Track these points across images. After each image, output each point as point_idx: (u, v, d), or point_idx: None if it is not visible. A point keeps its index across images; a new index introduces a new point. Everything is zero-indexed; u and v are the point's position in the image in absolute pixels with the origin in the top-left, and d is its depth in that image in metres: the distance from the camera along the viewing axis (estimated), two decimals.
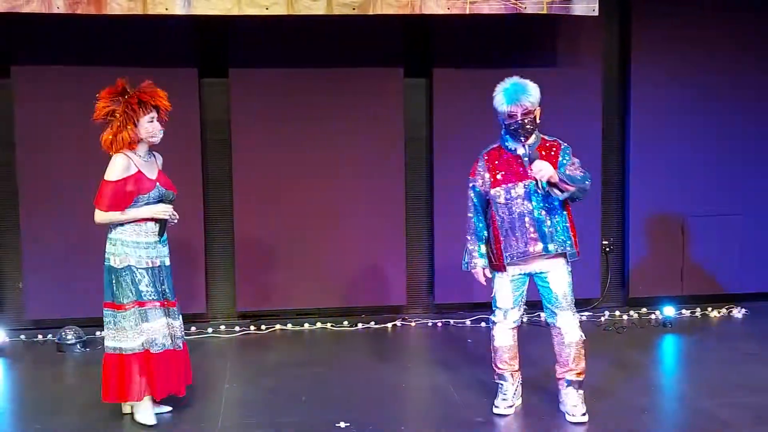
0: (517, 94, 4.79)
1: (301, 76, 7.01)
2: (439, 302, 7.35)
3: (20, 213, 6.83)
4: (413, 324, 7.17)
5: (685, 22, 7.27)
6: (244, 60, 6.92)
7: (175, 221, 5.04)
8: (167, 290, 5.02)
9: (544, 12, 6.39)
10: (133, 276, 4.89)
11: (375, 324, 7.08)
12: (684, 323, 7.11)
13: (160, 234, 4.96)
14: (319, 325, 7.10)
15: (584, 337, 5.05)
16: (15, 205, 6.86)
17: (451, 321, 7.17)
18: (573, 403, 5.00)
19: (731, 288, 7.53)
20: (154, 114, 4.89)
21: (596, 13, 6.48)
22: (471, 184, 5.03)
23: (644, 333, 6.85)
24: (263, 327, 6.99)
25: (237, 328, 6.98)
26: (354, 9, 6.23)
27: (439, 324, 7.13)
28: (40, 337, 6.79)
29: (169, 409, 5.13)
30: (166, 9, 6.07)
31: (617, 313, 7.32)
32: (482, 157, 5.01)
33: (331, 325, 7.09)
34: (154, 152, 5.07)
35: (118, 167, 4.84)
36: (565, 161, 4.87)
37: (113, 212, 4.85)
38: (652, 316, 7.20)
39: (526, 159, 4.85)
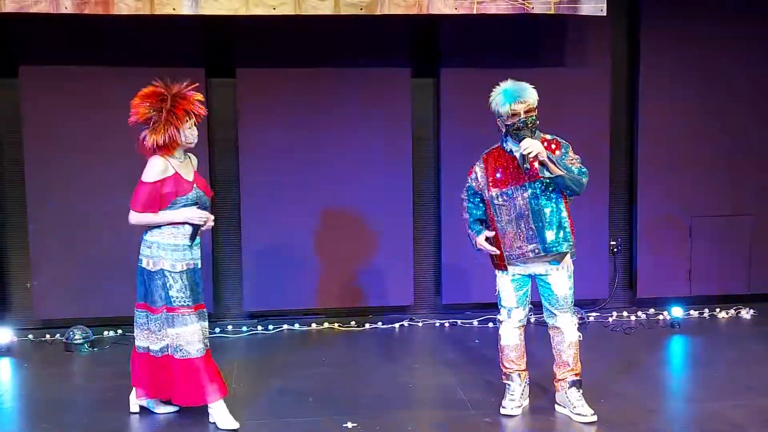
0: (519, 92, 4.82)
1: (308, 76, 7.01)
2: (447, 302, 7.34)
3: (28, 212, 6.84)
4: (420, 324, 7.16)
5: (693, 21, 7.25)
6: (252, 60, 6.92)
7: (211, 226, 5.02)
8: (201, 292, 5.03)
9: (552, 12, 6.37)
10: (164, 280, 4.89)
11: (382, 324, 7.07)
12: (692, 324, 7.09)
13: (192, 239, 4.92)
14: (326, 325, 7.10)
15: (581, 337, 5.11)
16: (23, 204, 6.87)
17: (459, 321, 7.16)
18: (580, 403, 5.01)
19: (739, 289, 7.51)
20: (193, 120, 4.89)
21: (604, 13, 6.45)
22: (467, 183, 5.08)
23: (652, 334, 6.84)
24: (270, 327, 6.98)
25: (244, 328, 6.98)
26: (361, 9, 6.22)
27: (447, 324, 7.13)
28: (47, 336, 6.80)
29: (176, 408, 5.13)
30: (174, 9, 6.07)
31: (625, 313, 7.31)
32: (481, 158, 5.03)
33: (339, 325, 7.08)
34: (189, 154, 5.07)
35: (155, 169, 4.84)
36: (564, 158, 4.86)
37: (147, 213, 4.86)
38: (660, 317, 7.18)
39: (522, 159, 4.81)
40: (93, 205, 6.86)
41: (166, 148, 4.85)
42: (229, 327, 7.00)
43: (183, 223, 4.90)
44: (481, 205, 5.07)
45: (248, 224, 7.05)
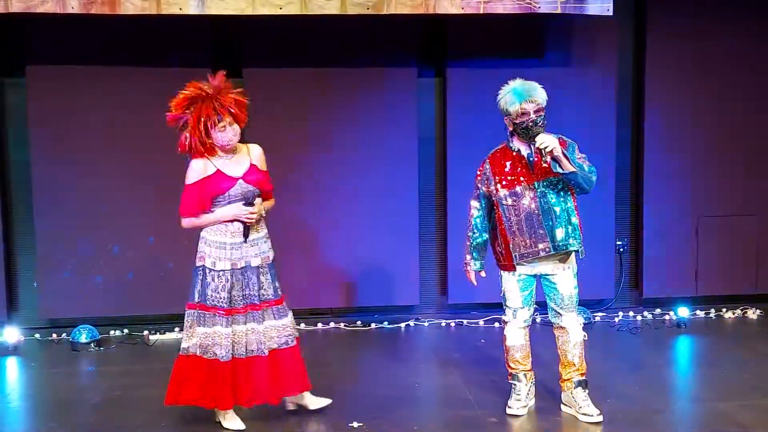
0: (529, 91, 4.81)
1: (314, 75, 7.01)
2: (452, 302, 7.34)
3: (34, 212, 6.85)
4: (426, 324, 7.16)
5: (699, 21, 7.23)
6: (258, 60, 6.92)
7: (253, 219, 4.82)
8: (252, 293, 4.88)
9: (558, 12, 6.37)
10: (204, 277, 4.83)
11: (388, 324, 7.08)
12: (698, 324, 7.08)
13: (245, 235, 4.82)
14: (332, 324, 7.10)
15: (586, 337, 5.12)
16: (29, 204, 6.89)
17: (464, 321, 7.16)
18: (586, 403, 5.01)
19: (746, 289, 7.49)
20: (226, 122, 4.76)
21: (610, 13, 6.44)
22: (476, 186, 5.06)
23: (658, 334, 6.83)
24: None
25: None
26: (368, 9, 6.22)
27: (452, 324, 7.13)
28: (54, 336, 6.81)
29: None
30: (180, 9, 6.07)
31: (631, 313, 7.29)
32: (487, 160, 5.02)
33: (344, 325, 7.09)
34: (249, 145, 4.99)
35: (193, 171, 4.81)
36: (572, 155, 4.84)
37: (191, 217, 4.83)
38: (666, 317, 7.16)
39: (532, 159, 4.84)
40: (100, 204, 6.87)
41: (204, 149, 4.78)
42: None
43: (232, 221, 4.83)
44: (486, 222, 5.07)
45: None
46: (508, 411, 5.10)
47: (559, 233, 4.87)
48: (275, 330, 4.95)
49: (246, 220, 4.80)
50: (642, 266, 7.46)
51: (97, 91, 6.82)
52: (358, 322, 7.11)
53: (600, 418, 4.95)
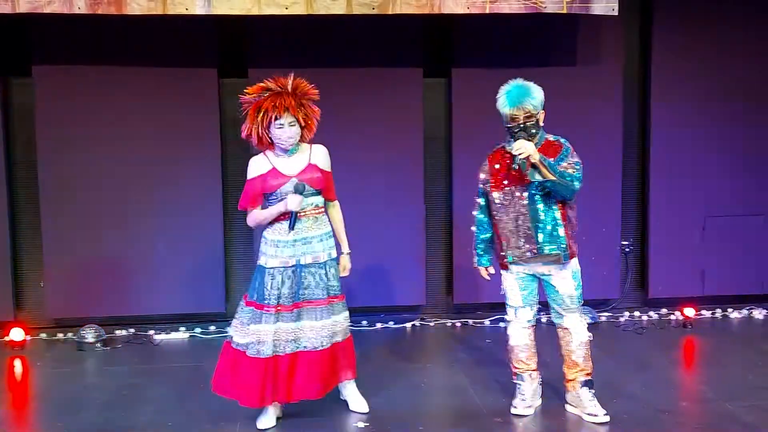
0: (520, 97, 4.77)
1: (320, 76, 6.91)
2: (458, 302, 7.33)
3: (41, 212, 6.87)
4: (432, 324, 7.17)
5: (706, 20, 7.22)
6: (264, 60, 6.92)
7: (297, 211, 4.80)
8: (301, 292, 4.90)
9: (564, 11, 6.36)
10: (262, 276, 4.90)
11: (394, 324, 7.08)
12: (704, 324, 7.06)
13: (291, 226, 4.80)
14: None
15: (591, 337, 5.11)
16: (36, 203, 6.90)
17: (470, 321, 7.16)
18: (592, 404, 5.01)
19: (752, 289, 7.47)
20: (284, 120, 4.77)
21: (616, 13, 6.43)
22: (478, 185, 5.09)
23: (664, 334, 6.82)
24: None
25: None
26: (373, 9, 6.22)
27: (458, 324, 7.12)
28: (60, 335, 6.83)
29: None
30: (186, 9, 6.08)
31: (637, 313, 7.29)
32: (486, 159, 5.05)
33: (350, 325, 7.07)
34: (314, 146, 5.02)
35: (251, 166, 4.90)
36: (560, 161, 4.82)
37: (247, 211, 4.90)
38: (672, 317, 7.15)
39: (518, 162, 4.77)
40: (105, 204, 6.88)
41: (261, 142, 4.86)
42: None
43: (282, 219, 4.86)
44: (490, 219, 5.07)
45: None
46: (513, 411, 5.10)
47: (540, 237, 4.87)
48: (324, 329, 4.97)
49: (293, 209, 4.78)
50: (648, 266, 7.45)
51: (103, 91, 6.83)
52: (364, 322, 7.11)
53: (606, 419, 4.95)
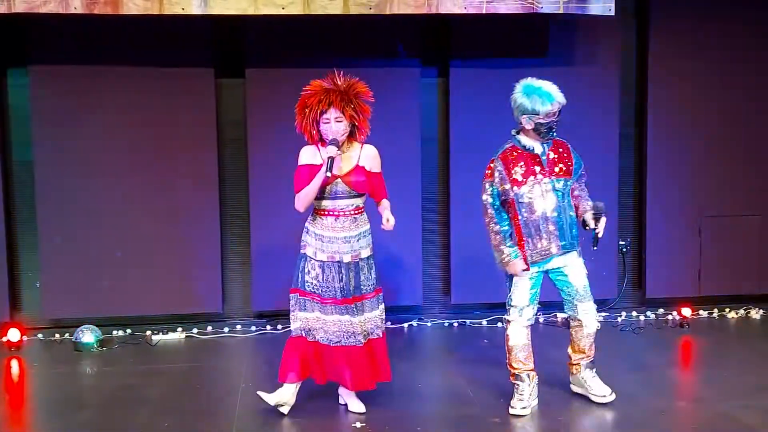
0: (555, 93, 4.94)
1: (317, 75, 6.89)
2: (456, 302, 7.34)
3: (37, 212, 6.86)
4: (429, 324, 7.16)
5: (702, 21, 7.23)
6: (261, 60, 6.92)
7: (334, 156, 4.83)
8: (348, 287, 4.98)
9: (560, 12, 6.36)
10: (305, 265, 4.99)
11: (391, 324, 7.06)
12: (701, 324, 7.07)
13: (329, 168, 4.80)
14: None
15: (599, 326, 5.27)
16: (32, 204, 6.89)
17: (468, 321, 7.15)
18: (596, 382, 5.19)
19: (749, 289, 7.48)
20: (331, 116, 4.85)
21: (612, 13, 6.43)
22: (487, 186, 5.06)
23: (661, 334, 6.82)
24: (279, 326, 6.98)
25: (253, 328, 6.98)
26: (370, 8, 6.22)
27: (456, 324, 7.12)
28: (57, 336, 6.81)
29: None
30: (183, 9, 6.07)
31: (634, 313, 7.28)
32: (497, 159, 5.05)
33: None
34: (365, 146, 5.06)
35: (303, 153, 5.00)
36: (577, 169, 5.09)
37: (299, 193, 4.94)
38: (669, 317, 7.16)
39: (545, 158, 4.98)
40: (102, 204, 6.88)
41: (310, 137, 4.94)
42: (238, 327, 7.00)
43: (327, 215, 4.97)
44: (503, 213, 5.07)
45: (257, 223, 7.05)
46: (512, 411, 5.09)
47: (568, 231, 5.00)
48: (359, 325, 5.02)
49: (333, 154, 4.82)
50: (645, 266, 7.45)
51: (99, 91, 6.83)
52: None
53: (612, 397, 5.13)
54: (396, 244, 7.13)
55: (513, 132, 5.09)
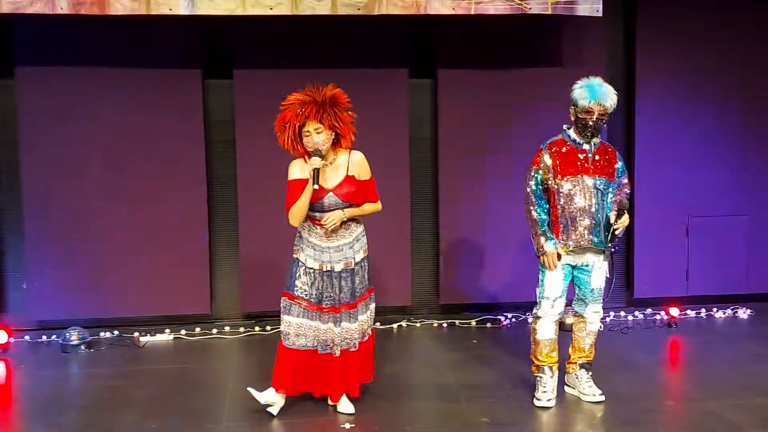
0: (603, 95, 4.98)
1: (305, 76, 6.91)
2: (445, 303, 7.34)
3: (24, 213, 6.83)
4: (418, 325, 7.16)
5: (690, 22, 7.25)
6: (249, 61, 6.91)
7: (319, 167, 4.84)
8: (334, 296, 4.99)
9: (549, 12, 6.38)
10: (296, 269, 5.00)
11: (380, 324, 7.06)
12: (689, 324, 7.09)
13: (315, 182, 4.81)
14: None
15: (601, 327, 5.40)
16: (18, 205, 6.86)
17: (457, 322, 7.15)
18: (588, 384, 5.26)
19: (737, 288, 7.51)
20: (310, 128, 4.83)
21: (600, 14, 6.45)
22: (533, 174, 5.13)
23: (649, 334, 6.84)
24: (268, 327, 6.97)
25: (241, 329, 6.96)
26: (359, 9, 6.22)
27: (445, 325, 7.12)
28: (44, 338, 6.78)
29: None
30: (170, 9, 6.06)
31: (622, 313, 7.30)
32: (545, 148, 5.14)
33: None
34: (352, 152, 5.03)
35: (292, 168, 4.96)
36: (620, 174, 5.21)
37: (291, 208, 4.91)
38: (657, 317, 7.17)
39: (590, 155, 5.08)
40: (89, 206, 6.85)
41: (295, 151, 4.93)
42: (227, 328, 6.99)
43: (320, 224, 4.95)
44: (543, 202, 5.12)
45: (245, 224, 7.04)
46: (537, 403, 5.20)
47: (601, 229, 5.08)
48: (347, 332, 5.05)
49: (317, 165, 4.84)
50: (633, 266, 7.47)
51: (86, 92, 6.80)
52: None
53: (602, 398, 5.20)
54: (385, 244, 7.13)
55: (565, 126, 5.16)
